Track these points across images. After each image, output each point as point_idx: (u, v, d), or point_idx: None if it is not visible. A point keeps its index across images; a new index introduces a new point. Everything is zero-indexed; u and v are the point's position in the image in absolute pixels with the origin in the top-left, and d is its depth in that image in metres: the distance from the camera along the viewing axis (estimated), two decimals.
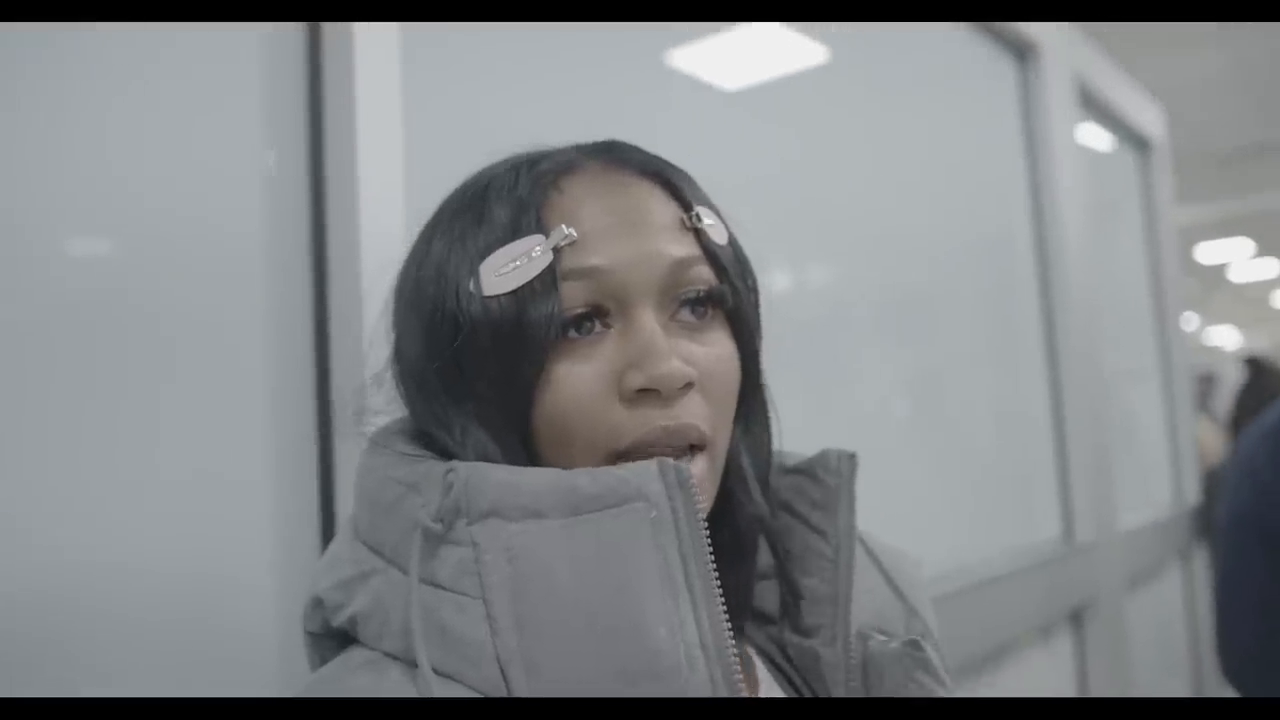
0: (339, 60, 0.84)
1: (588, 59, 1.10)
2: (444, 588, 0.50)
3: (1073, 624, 1.95)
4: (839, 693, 0.61)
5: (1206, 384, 4.64)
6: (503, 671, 0.48)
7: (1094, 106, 2.38)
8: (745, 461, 0.62)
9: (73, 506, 0.69)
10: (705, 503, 0.56)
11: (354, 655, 0.54)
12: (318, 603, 0.58)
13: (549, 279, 0.53)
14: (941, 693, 0.59)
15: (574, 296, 0.54)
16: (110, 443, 0.71)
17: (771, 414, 0.65)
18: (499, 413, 0.54)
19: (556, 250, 0.54)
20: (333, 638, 0.57)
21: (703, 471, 0.55)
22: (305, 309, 0.83)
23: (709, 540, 0.50)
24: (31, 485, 0.67)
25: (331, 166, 0.84)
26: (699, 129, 1.24)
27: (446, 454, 0.55)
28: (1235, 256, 8.40)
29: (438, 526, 0.50)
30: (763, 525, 0.63)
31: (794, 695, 0.63)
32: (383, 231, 0.82)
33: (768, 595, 0.66)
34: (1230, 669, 1.46)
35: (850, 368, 1.47)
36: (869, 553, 0.68)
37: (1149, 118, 2.77)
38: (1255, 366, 2.94)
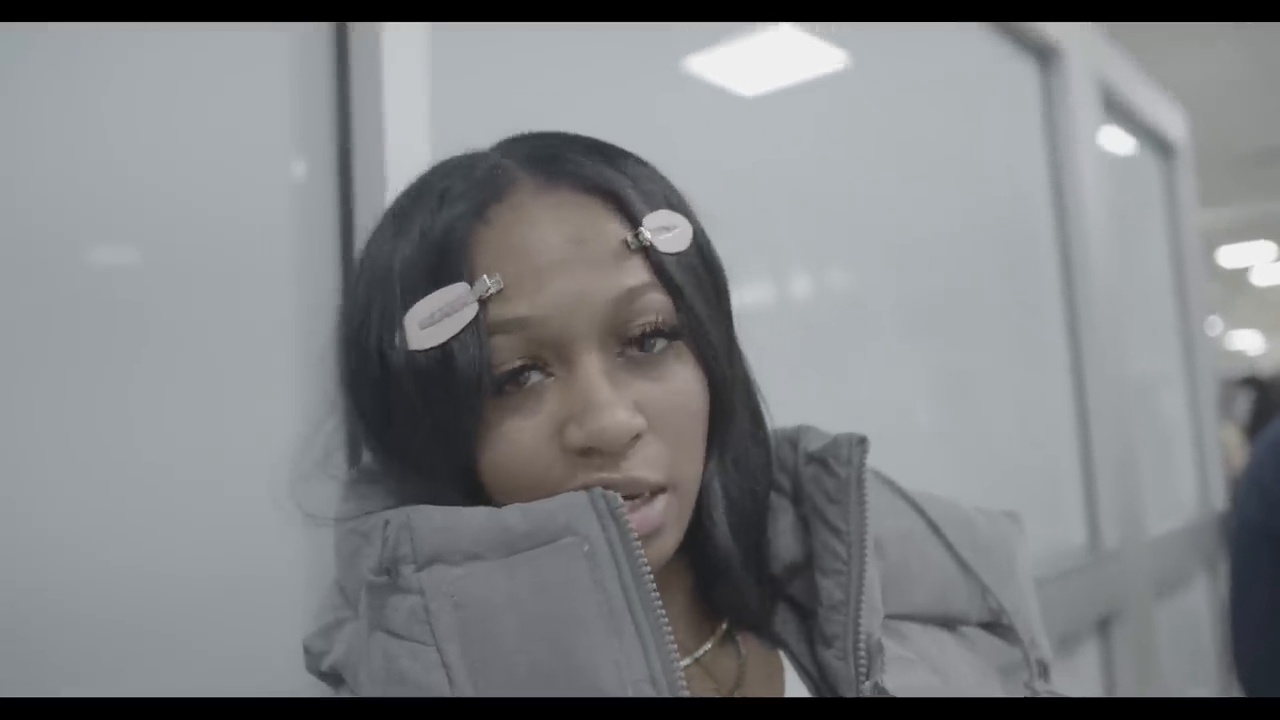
0: (367, 61, 0.83)
1: (610, 66, 1.09)
2: (400, 636, 0.48)
3: (1100, 633, 1.93)
4: None
5: (1231, 390, 4.62)
6: None
7: (1117, 110, 2.36)
8: (717, 490, 0.58)
9: (99, 510, 0.69)
10: (671, 541, 0.54)
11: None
12: (305, 649, 0.58)
13: (475, 333, 0.50)
14: None
15: (506, 350, 0.51)
16: (138, 449, 0.71)
17: (765, 425, 0.62)
18: (442, 463, 0.52)
19: (482, 301, 0.50)
20: (331, 676, 0.57)
21: (664, 513, 0.52)
22: (334, 312, 0.83)
23: (649, 571, 0.48)
24: (59, 490, 0.67)
25: (359, 168, 0.83)
26: (718, 135, 1.24)
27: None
28: (1258, 260, 8.34)
29: (382, 579, 0.49)
30: (732, 559, 0.58)
31: None
32: None
33: (810, 589, 0.61)
34: (1243, 676, 1.47)
35: (872, 373, 1.46)
36: (931, 525, 0.64)
37: (1172, 121, 2.75)
38: (1257, 385, 2.93)
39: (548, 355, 0.51)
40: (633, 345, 0.53)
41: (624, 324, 0.52)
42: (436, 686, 0.47)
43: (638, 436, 0.51)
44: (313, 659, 0.58)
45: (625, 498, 0.50)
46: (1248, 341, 11.93)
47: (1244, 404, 3.16)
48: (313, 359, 0.81)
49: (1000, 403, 1.78)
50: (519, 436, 0.51)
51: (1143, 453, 2.15)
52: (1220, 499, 2.73)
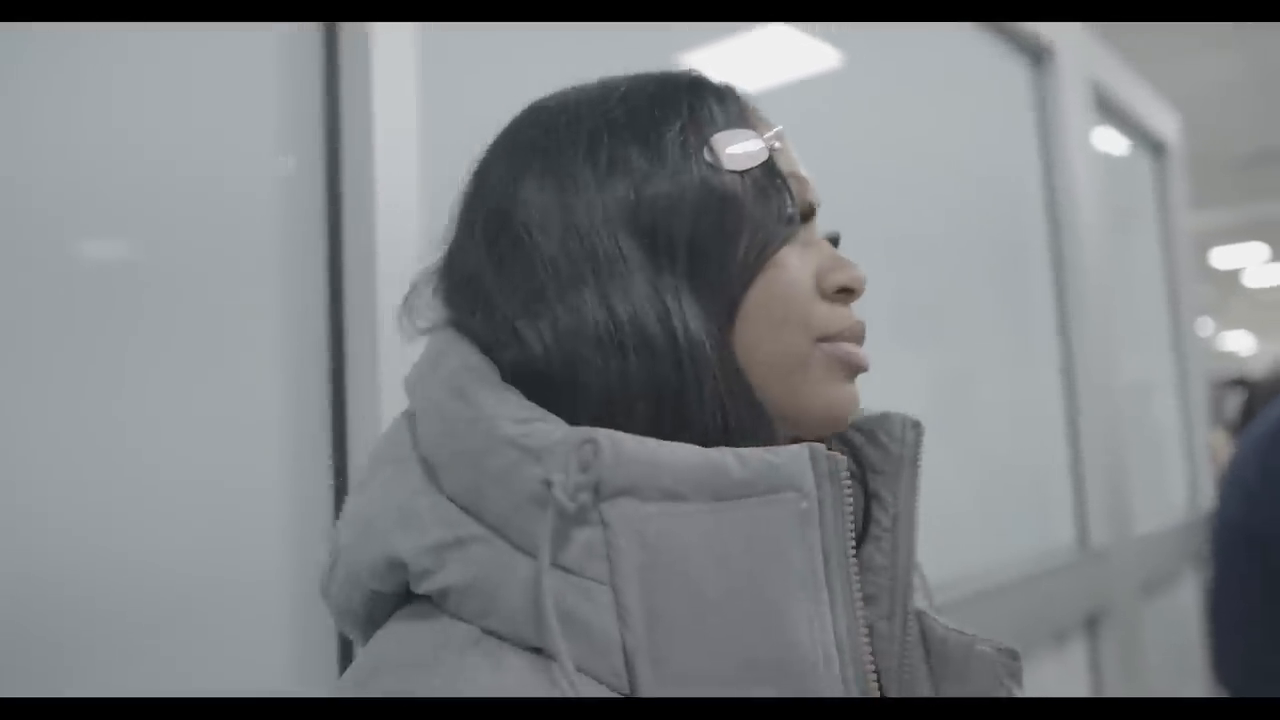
0: (356, 61, 0.84)
1: (602, 63, 1.09)
2: (569, 570, 0.46)
3: (1087, 630, 1.94)
4: (892, 667, 0.58)
5: (1221, 390, 4.63)
6: (628, 663, 0.45)
7: (1109, 110, 2.37)
8: None
9: (87, 503, 0.69)
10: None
11: (451, 630, 0.48)
12: (396, 565, 0.50)
13: (776, 169, 0.54)
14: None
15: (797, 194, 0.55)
16: (123, 443, 0.72)
17: None
18: (718, 285, 0.52)
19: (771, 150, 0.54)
20: (398, 596, 0.52)
21: None
22: (320, 310, 0.83)
23: (854, 539, 0.48)
24: (48, 482, 0.68)
25: (348, 167, 0.84)
26: None
27: (563, 390, 0.49)
28: (1250, 261, 8.37)
29: (573, 506, 0.45)
30: None
31: None
32: (399, 232, 0.82)
33: None
34: (1224, 678, 1.47)
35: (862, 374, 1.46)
36: None
37: (1164, 121, 2.76)
38: (1245, 385, 2.92)
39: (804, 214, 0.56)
40: None
41: None
42: (604, 628, 0.45)
43: None
44: (410, 577, 0.50)
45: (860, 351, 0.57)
46: (1240, 343, 11.96)
47: (1234, 405, 3.17)
48: (300, 354, 0.82)
49: (991, 402, 1.79)
50: (801, 267, 0.54)
51: (1132, 452, 2.16)
52: (1209, 499, 2.75)
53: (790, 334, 0.53)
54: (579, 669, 0.45)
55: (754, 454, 0.47)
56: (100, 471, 0.70)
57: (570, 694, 0.44)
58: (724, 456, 0.47)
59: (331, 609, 0.56)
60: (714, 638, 0.45)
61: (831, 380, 0.55)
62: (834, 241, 0.59)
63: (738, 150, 0.53)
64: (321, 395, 0.82)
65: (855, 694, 0.46)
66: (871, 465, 0.62)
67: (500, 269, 0.52)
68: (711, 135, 0.53)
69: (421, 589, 0.49)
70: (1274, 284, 9.42)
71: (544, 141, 0.55)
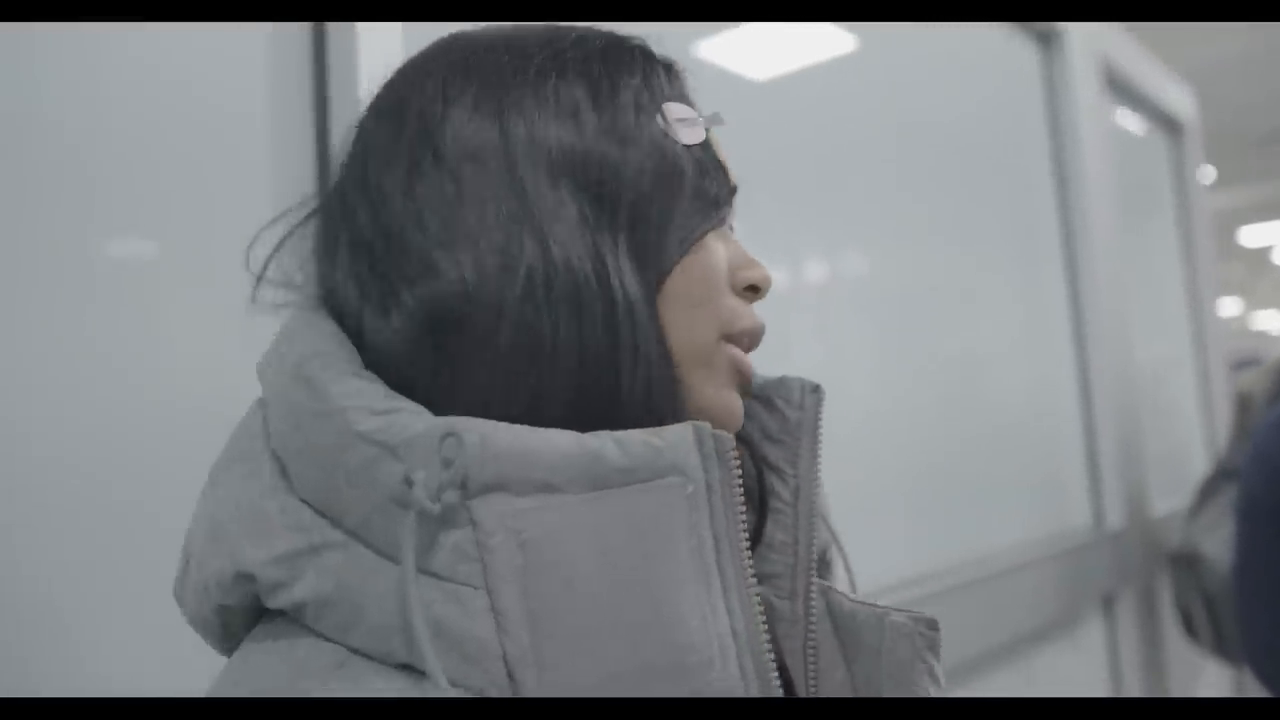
0: (343, 60, 0.84)
1: None
2: (437, 575, 0.42)
3: (1104, 611, 1.94)
4: (796, 647, 0.55)
5: (1239, 371, 4.58)
6: (510, 673, 0.41)
7: (1122, 89, 2.35)
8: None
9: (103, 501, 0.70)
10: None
11: (312, 654, 0.43)
12: (244, 578, 0.45)
13: (714, 150, 0.53)
14: (940, 674, 0.53)
15: None
16: (118, 439, 0.73)
17: None
18: (651, 255, 0.49)
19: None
20: (249, 612, 0.47)
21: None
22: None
23: (744, 518, 0.45)
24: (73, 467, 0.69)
25: (337, 168, 0.84)
26: (728, 119, 1.25)
27: (439, 392, 0.45)
28: (1279, 239, 8.26)
29: (436, 508, 0.40)
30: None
31: None
32: None
33: None
34: (1251, 658, 1.46)
35: (879, 356, 1.47)
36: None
37: (1179, 99, 2.74)
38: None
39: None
40: None
41: None
42: (480, 636, 0.41)
43: None
44: (260, 590, 0.45)
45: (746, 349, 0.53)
46: (1270, 322, 11.81)
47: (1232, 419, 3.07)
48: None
49: (1005, 384, 1.79)
50: (722, 256, 0.52)
51: (1148, 433, 2.16)
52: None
53: (703, 323, 0.50)
54: (454, 683, 0.41)
55: (634, 437, 0.43)
56: (110, 464, 0.71)
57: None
58: (602, 443, 0.43)
59: (186, 616, 0.50)
60: (601, 639, 0.41)
61: (727, 385, 0.51)
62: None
63: (687, 123, 0.52)
64: None
65: (754, 684, 0.43)
66: (769, 434, 0.58)
67: (416, 196, 0.47)
68: (662, 103, 0.51)
69: (274, 603, 0.45)
70: None
71: (484, 68, 0.50)
